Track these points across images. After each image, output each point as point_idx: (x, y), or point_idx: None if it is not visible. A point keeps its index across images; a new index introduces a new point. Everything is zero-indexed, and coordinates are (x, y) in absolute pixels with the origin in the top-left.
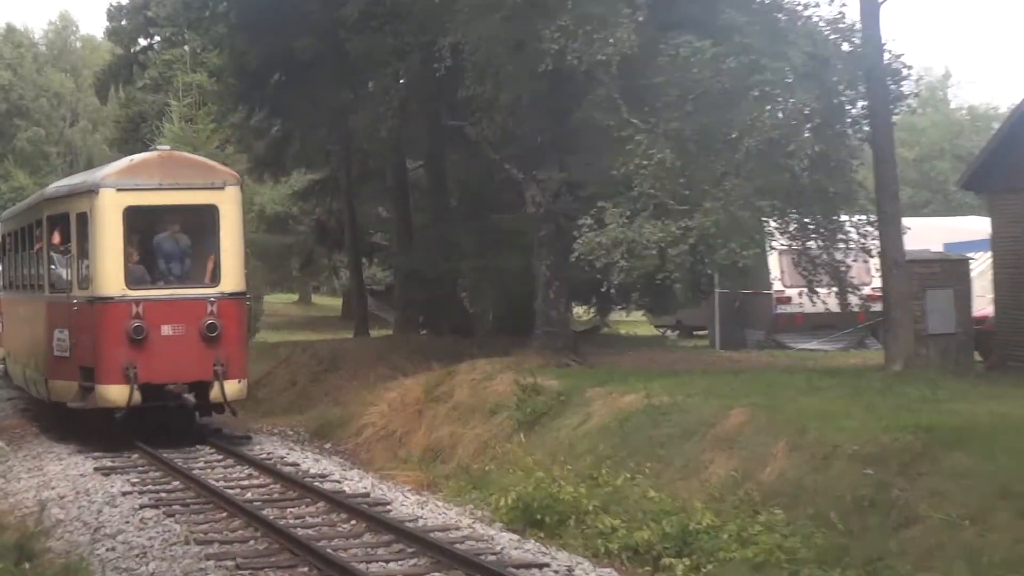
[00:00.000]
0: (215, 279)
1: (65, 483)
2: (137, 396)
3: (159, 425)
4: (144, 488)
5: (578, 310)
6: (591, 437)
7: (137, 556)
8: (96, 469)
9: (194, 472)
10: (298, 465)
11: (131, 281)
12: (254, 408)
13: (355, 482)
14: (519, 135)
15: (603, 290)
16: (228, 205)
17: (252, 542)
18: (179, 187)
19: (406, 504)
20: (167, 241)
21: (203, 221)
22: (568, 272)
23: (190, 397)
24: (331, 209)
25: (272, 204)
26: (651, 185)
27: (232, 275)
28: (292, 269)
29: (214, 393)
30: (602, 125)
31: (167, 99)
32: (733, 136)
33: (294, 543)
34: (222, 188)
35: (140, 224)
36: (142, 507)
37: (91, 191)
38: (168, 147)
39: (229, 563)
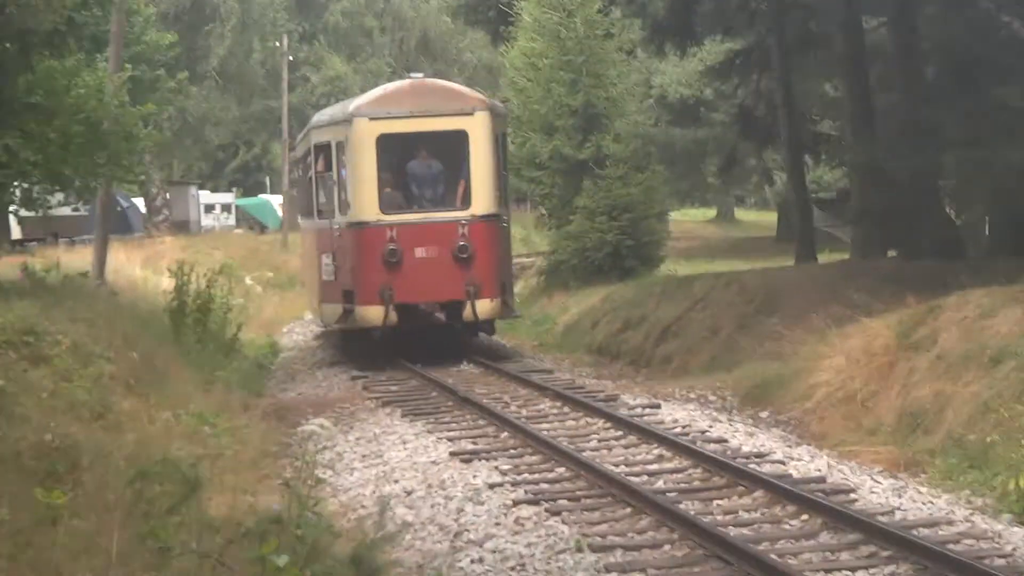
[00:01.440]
0: (466, 203)
1: (413, 474)
2: (393, 316)
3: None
4: (518, 478)
5: None
6: None
7: (513, 568)
8: (453, 454)
9: (584, 455)
10: (725, 441)
11: (386, 206)
12: (661, 365)
13: (805, 463)
14: None
15: None
16: (478, 130)
17: (667, 547)
18: (429, 114)
19: (876, 491)
20: (419, 167)
21: (454, 146)
22: None
23: (441, 316)
24: (759, 90)
25: (676, 87)
26: None
27: (483, 198)
28: (707, 175)
29: (466, 312)
30: None
31: None
32: None
33: (725, 547)
34: (471, 114)
35: (394, 151)
36: (516, 503)
37: (346, 120)
38: (421, 75)
39: (637, 575)
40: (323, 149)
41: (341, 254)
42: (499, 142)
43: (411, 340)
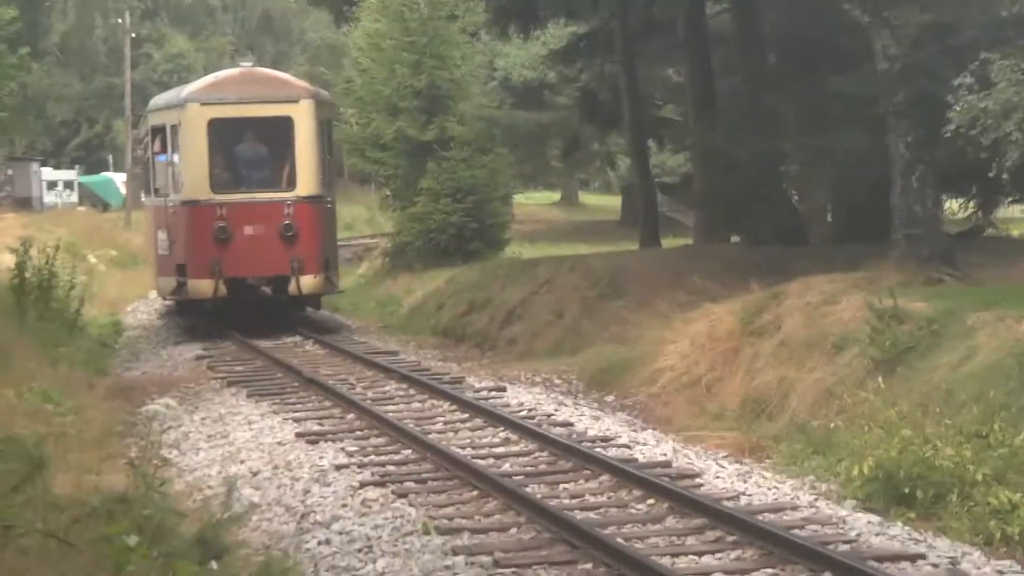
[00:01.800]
0: (292, 184)
1: (259, 454)
2: (222, 289)
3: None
4: (364, 459)
5: (951, 205)
6: (977, 380)
7: (360, 551)
8: (299, 435)
9: (431, 437)
10: (571, 425)
11: (216, 186)
12: (507, 348)
13: (650, 447)
14: None
15: (990, 176)
16: (302, 117)
17: (514, 530)
18: (257, 100)
19: (721, 476)
20: (247, 150)
21: (280, 131)
22: (937, 152)
23: (268, 290)
24: (602, 74)
25: (520, 70)
26: None
27: (307, 180)
28: (551, 158)
29: (291, 287)
30: None
31: None
32: None
33: (571, 531)
34: (296, 101)
35: (224, 134)
36: (363, 485)
37: (180, 105)
38: (251, 63)
39: (484, 559)
40: (160, 131)
41: (175, 230)
42: (324, 128)
43: (245, 313)
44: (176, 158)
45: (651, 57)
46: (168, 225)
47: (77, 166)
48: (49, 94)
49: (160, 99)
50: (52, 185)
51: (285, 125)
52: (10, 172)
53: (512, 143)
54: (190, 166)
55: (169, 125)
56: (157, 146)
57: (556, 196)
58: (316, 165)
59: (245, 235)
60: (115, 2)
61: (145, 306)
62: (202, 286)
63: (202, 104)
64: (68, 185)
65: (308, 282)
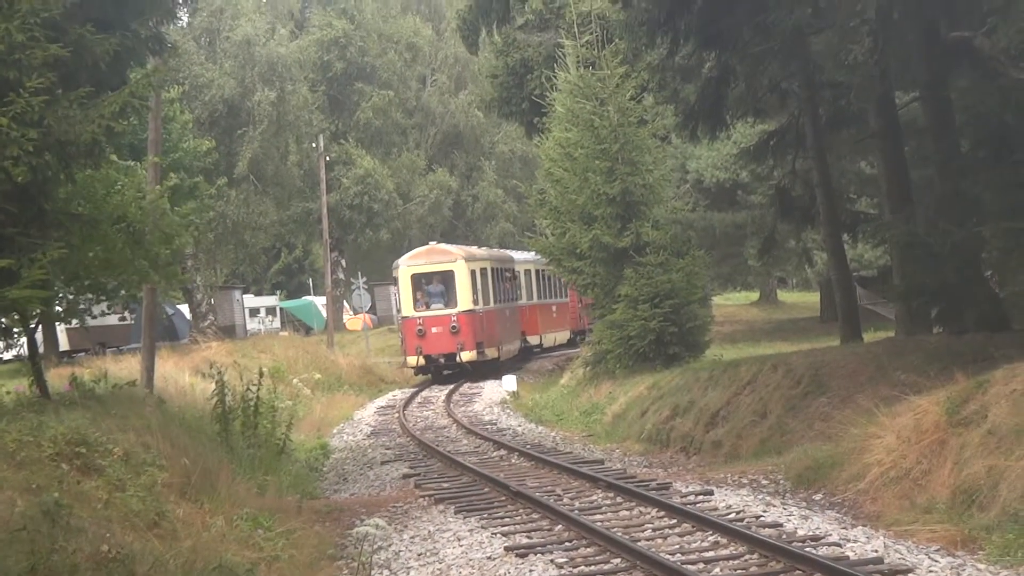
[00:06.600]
0: (455, 304)
1: (469, 570)
2: (422, 361)
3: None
4: (574, 571)
5: None
6: None
7: None
8: (508, 549)
9: (639, 545)
10: (780, 525)
11: (417, 307)
12: (712, 451)
13: (861, 544)
14: None
15: None
16: (460, 270)
17: None
18: (436, 263)
19: (934, 570)
20: (432, 288)
21: (448, 278)
22: None
23: (441, 360)
24: (794, 170)
25: (712, 171)
26: None
27: (463, 302)
28: (748, 257)
29: (457, 359)
30: None
31: (558, 39)
32: None
33: None
34: (455, 261)
35: (420, 280)
36: None
37: (398, 267)
38: (434, 243)
39: None
40: (394, 279)
41: (402, 331)
42: (473, 273)
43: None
44: (399, 293)
45: (843, 150)
46: (400, 330)
47: (278, 291)
48: (248, 223)
49: (395, 263)
50: (254, 312)
51: (451, 275)
52: (213, 301)
53: (708, 244)
54: (403, 298)
55: (395, 276)
56: (395, 287)
57: (755, 295)
58: (468, 293)
59: (432, 333)
60: (308, 126)
61: (351, 427)
62: (412, 360)
63: (407, 266)
64: (270, 311)
65: (466, 355)
